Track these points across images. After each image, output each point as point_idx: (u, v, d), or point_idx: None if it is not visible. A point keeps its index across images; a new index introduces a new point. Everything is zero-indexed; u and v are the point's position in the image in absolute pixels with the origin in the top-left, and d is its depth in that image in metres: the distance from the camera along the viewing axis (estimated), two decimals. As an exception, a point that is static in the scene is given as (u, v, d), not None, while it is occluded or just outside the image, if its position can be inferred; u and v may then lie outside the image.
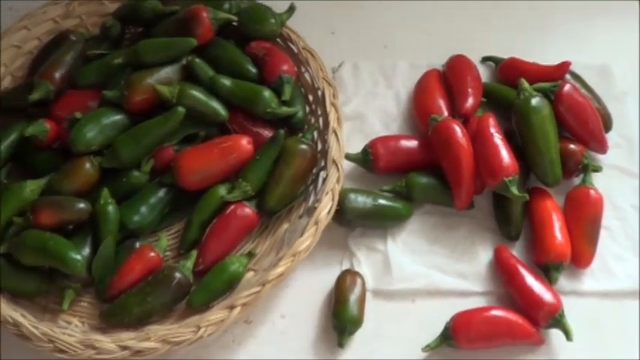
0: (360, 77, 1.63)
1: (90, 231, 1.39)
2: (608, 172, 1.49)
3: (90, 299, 1.40)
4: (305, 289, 1.41)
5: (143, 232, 1.42)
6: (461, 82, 1.53)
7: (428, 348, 1.31)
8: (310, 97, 1.51)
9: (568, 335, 1.31)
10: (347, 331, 1.33)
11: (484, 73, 1.59)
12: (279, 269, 1.29)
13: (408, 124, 1.57)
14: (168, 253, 1.43)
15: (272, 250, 1.41)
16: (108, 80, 1.48)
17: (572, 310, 1.33)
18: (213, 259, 1.38)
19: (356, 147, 1.49)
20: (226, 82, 1.45)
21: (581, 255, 1.40)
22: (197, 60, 1.46)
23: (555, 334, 1.33)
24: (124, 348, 1.25)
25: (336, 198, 1.35)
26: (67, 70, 1.48)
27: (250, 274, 1.39)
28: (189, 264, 1.35)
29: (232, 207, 1.40)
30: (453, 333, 1.30)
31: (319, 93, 1.47)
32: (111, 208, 1.38)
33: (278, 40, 1.53)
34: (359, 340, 1.35)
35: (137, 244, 1.41)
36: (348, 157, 1.46)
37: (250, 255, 1.39)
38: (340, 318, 1.33)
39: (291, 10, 1.52)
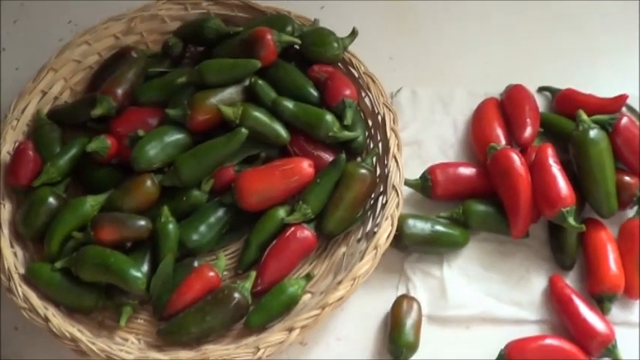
0: (418, 103, 1.64)
1: (148, 249, 1.39)
2: (662, 204, 1.50)
3: (146, 316, 1.41)
4: (360, 313, 1.42)
5: (201, 251, 1.43)
6: (519, 111, 1.54)
7: (483, 375, 1.33)
8: (370, 122, 1.52)
9: (620, 365, 1.32)
10: (402, 356, 1.34)
11: (541, 103, 1.60)
12: (339, 293, 1.29)
13: (465, 152, 1.58)
14: (225, 272, 1.44)
15: (329, 273, 1.42)
16: (169, 98, 1.49)
17: (624, 340, 1.34)
18: (271, 281, 1.39)
19: (413, 172, 1.50)
20: (289, 104, 1.46)
21: (633, 286, 1.40)
22: (260, 82, 1.47)
23: (608, 364, 1.34)
24: (182, 366, 1.27)
25: (395, 223, 1.36)
26: (129, 87, 1.49)
27: (307, 296, 1.39)
28: (247, 284, 1.36)
29: (292, 229, 1.41)
30: (508, 361, 1.32)
31: (379, 118, 1.48)
32: (171, 226, 1.39)
33: (339, 64, 1.54)
34: (414, 365, 1.36)
35: (196, 263, 1.41)
36: (407, 182, 1.47)
37: (308, 277, 1.40)
38: (396, 343, 1.34)
39: (354, 34, 1.53)
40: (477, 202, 1.47)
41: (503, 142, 1.50)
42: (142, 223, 1.38)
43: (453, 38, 1.75)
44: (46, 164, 1.44)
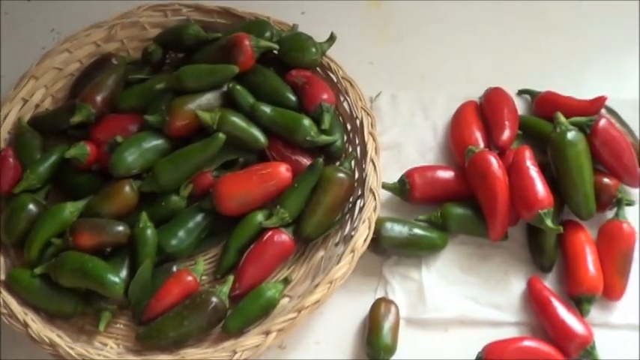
0: (398, 107, 1.64)
1: (127, 254, 1.40)
2: (642, 206, 1.50)
3: (125, 321, 1.41)
4: (339, 316, 1.42)
5: (180, 256, 1.44)
6: (498, 114, 1.54)
7: (461, 378, 1.32)
8: (348, 126, 1.53)
9: (599, 367, 1.32)
10: (380, 357, 1.33)
11: (520, 106, 1.60)
12: (316, 296, 1.29)
13: (444, 155, 1.58)
14: (204, 277, 1.44)
15: (307, 277, 1.42)
16: (148, 105, 1.50)
17: (603, 342, 1.34)
18: (249, 285, 1.39)
19: (392, 176, 1.50)
20: (266, 109, 1.47)
21: (612, 288, 1.40)
22: (238, 87, 1.47)
23: (586, 366, 1.34)
24: (160, 370, 1.27)
25: (373, 227, 1.36)
26: (109, 94, 1.49)
27: (285, 300, 1.40)
28: (225, 289, 1.36)
29: (269, 233, 1.41)
30: (486, 363, 1.32)
31: (357, 122, 1.48)
32: (149, 231, 1.40)
33: (317, 68, 1.55)
34: (392, 369, 1.36)
35: (174, 268, 1.42)
36: (384, 186, 1.47)
37: (286, 281, 1.40)
38: (374, 346, 1.34)
39: (332, 39, 1.53)
40: (456, 205, 1.47)
41: (481, 144, 1.50)
42: (121, 228, 1.38)
43: (433, 43, 1.76)
44: (26, 171, 1.45)
